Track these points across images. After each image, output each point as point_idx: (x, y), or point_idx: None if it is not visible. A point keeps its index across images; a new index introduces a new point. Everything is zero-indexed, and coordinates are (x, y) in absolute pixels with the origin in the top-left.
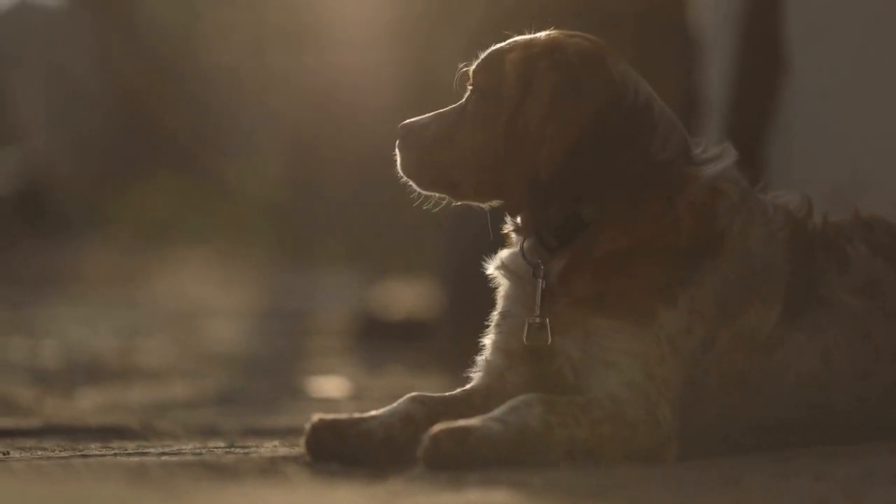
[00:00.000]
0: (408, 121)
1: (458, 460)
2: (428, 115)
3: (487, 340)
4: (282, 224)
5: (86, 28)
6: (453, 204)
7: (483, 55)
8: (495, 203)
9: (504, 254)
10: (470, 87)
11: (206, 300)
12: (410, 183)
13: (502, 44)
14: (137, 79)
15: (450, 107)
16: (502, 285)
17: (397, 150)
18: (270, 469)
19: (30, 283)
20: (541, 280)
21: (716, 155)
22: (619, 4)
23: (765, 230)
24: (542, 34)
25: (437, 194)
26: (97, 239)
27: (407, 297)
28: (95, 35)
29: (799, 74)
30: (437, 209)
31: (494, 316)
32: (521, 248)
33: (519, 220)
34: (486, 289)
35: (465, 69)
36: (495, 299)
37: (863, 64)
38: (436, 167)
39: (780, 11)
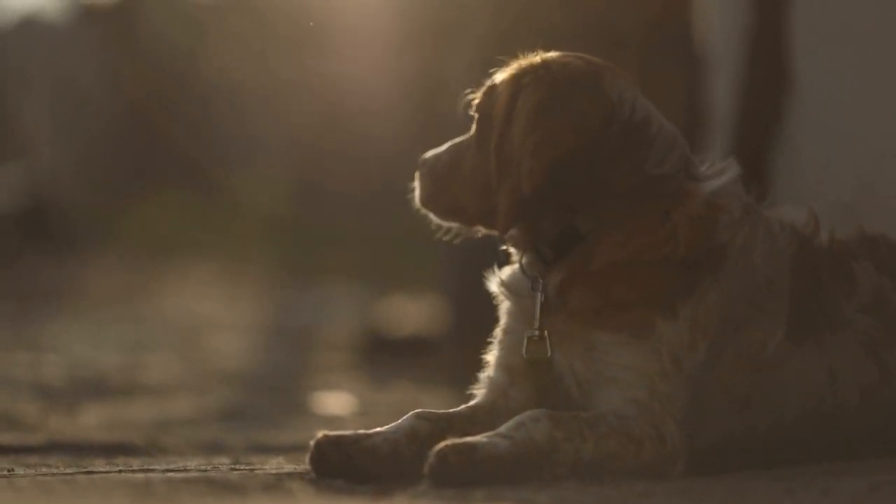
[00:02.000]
0: (428, 153)
1: (464, 477)
2: (445, 145)
3: (490, 357)
4: (287, 240)
5: (91, 44)
6: (473, 235)
7: (489, 87)
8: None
9: (504, 271)
10: (474, 114)
11: (211, 316)
12: (429, 214)
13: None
14: (142, 94)
15: (464, 136)
16: (504, 302)
17: (416, 182)
18: (275, 486)
19: (34, 298)
20: (539, 294)
21: (719, 171)
22: (624, 21)
23: (769, 245)
24: (538, 57)
25: (454, 224)
26: (102, 254)
27: (412, 313)
28: (101, 51)
29: (804, 90)
30: (455, 239)
31: (497, 332)
32: (520, 263)
33: (516, 234)
34: (490, 305)
35: (470, 96)
36: (499, 316)
37: (869, 78)
38: (447, 195)
39: (786, 27)
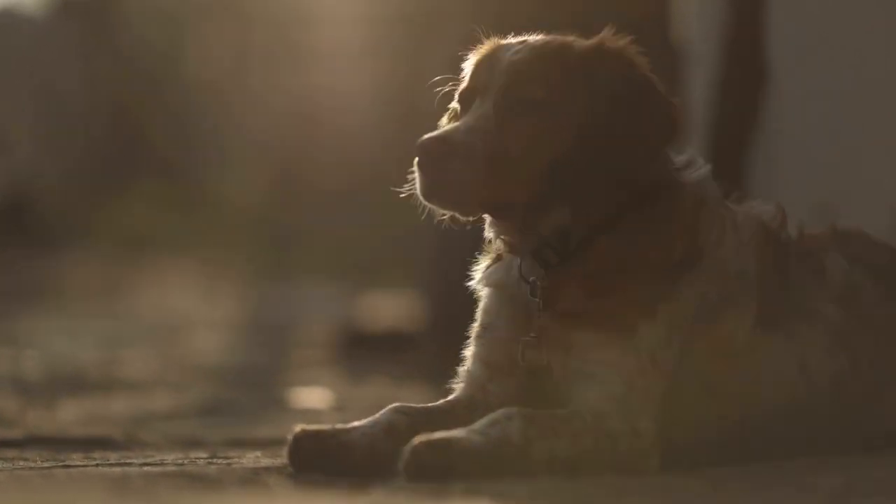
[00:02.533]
0: (430, 136)
1: (439, 473)
2: (447, 130)
3: (468, 352)
4: (265, 236)
5: (69, 38)
6: (439, 219)
7: (517, 64)
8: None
9: (486, 267)
10: (494, 99)
11: (189, 312)
12: (429, 203)
13: (530, 52)
14: (121, 91)
15: (468, 121)
16: (484, 298)
17: (421, 171)
18: (253, 480)
19: (12, 294)
20: (538, 300)
21: (688, 162)
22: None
23: (735, 238)
24: (569, 39)
25: (454, 214)
26: (80, 250)
27: (390, 308)
28: (79, 45)
29: (782, 90)
30: (419, 224)
31: (475, 328)
32: (519, 267)
33: (513, 238)
34: (468, 301)
35: (451, 87)
36: (476, 311)
37: (845, 74)
38: (487, 187)
39: (763, 25)
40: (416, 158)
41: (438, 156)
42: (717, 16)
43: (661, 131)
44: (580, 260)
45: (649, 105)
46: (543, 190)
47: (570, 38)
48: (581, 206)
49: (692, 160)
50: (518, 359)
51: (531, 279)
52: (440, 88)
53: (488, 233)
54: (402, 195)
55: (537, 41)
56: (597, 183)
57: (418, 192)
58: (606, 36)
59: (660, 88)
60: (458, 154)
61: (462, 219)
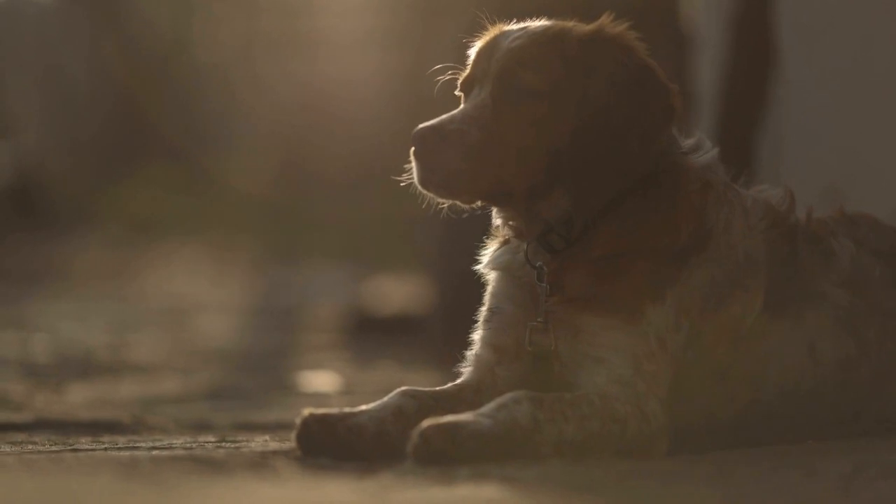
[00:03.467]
0: (426, 125)
1: (447, 456)
2: (445, 119)
3: (476, 336)
4: (273, 220)
5: (78, 25)
6: (442, 206)
7: (511, 52)
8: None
9: (494, 251)
10: (492, 87)
11: (197, 295)
12: (427, 192)
13: (527, 38)
14: (129, 74)
15: (466, 109)
16: (491, 281)
17: (417, 159)
18: (261, 463)
19: (20, 277)
20: (545, 284)
21: (696, 145)
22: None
23: (744, 222)
24: (569, 25)
25: (453, 201)
26: (88, 234)
27: (398, 292)
28: (88, 31)
29: (790, 73)
30: (424, 209)
31: (483, 312)
32: (526, 252)
33: (519, 223)
34: (476, 284)
35: (453, 75)
36: (484, 294)
37: (854, 62)
38: (483, 175)
39: (772, 8)
40: (412, 147)
41: (433, 144)
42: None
43: (659, 117)
44: (585, 244)
45: (647, 91)
46: (544, 176)
47: (570, 25)
48: (582, 192)
49: (700, 144)
50: (525, 343)
51: (538, 264)
52: (443, 77)
53: (496, 218)
54: (402, 184)
55: (537, 28)
56: (597, 169)
57: (415, 180)
58: (605, 22)
59: (659, 74)
60: (452, 142)
61: (463, 206)
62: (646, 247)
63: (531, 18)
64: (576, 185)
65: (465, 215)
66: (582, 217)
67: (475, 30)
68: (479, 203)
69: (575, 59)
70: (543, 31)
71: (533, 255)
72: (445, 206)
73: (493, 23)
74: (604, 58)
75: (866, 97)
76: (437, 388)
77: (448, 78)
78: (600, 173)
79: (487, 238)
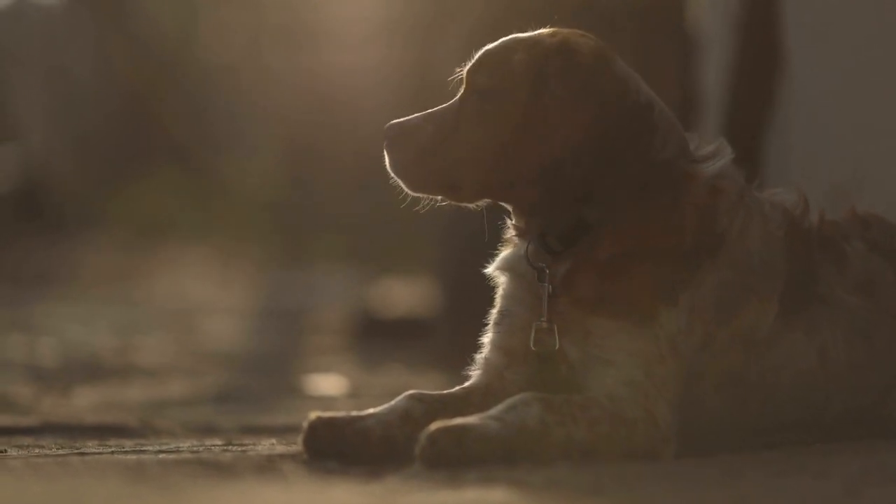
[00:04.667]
0: (395, 121)
1: (455, 459)
2: (416, 115)
3: (486, 339)
4: (280, 222)
5: (84, 26)
6: (439, 204)
7: (479, 55)
8: (482, 203)
9: (505, 254)
10: (463, 88)
11: (204, 298)
12: (400, 183)
13: (497, 43)
14: (136, 76)
15: (438, 108)
16: (501, 284)
17: (386, 151)
18: (268, 467)
19: (27, 280)
20: (547, 284)
21: (712, 152)
22: (617, 3)
23: (762, 228)
24: (544, 32)
25: (426, 195)
26: (95, 237)
27: (405, 295)
28: (94, 33)
29: (797, 73)
30: (424, 210)
31: (493, 314)
32: (526, 252)
33: (520, 223)
34: (483, 287)
35: (461, 72)
36: (493, 298)
37: (861, 62)
38: (433, 169)
39: (779, 10)
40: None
41: (395, 138)
42: None
43: (601, 116)
44: (589, 246)
45: (588, 93)
46: (516, 178)
47: (554, 35)
48: (547, 194)
49: (718, 150)
50: (530, 345)
51: (539, 264)
52: (452, 77)
53: (508, 219)
54: (391, 181)
55: (521, 36)
56: (554, 172)
57: (389, 169)
58: (573, 33)
59: (606, 73)
60: (409, 136)
61: (469, 206)
62: (651, 247)
63: (539, 14)
64: (541, 187)
65: (457, 210)
66: (569, 220)
67: (484, 25)
68: (481, 203)
69: (529, 66)
70: (518, 40)
71: (534, 256)
72: (437, 201)
73: (504, 25)
74: (554, 67)
75: (874, 97)
76: (445, 392)
77: (457, 77)
78: (557, 176)
79: (495, 240)
